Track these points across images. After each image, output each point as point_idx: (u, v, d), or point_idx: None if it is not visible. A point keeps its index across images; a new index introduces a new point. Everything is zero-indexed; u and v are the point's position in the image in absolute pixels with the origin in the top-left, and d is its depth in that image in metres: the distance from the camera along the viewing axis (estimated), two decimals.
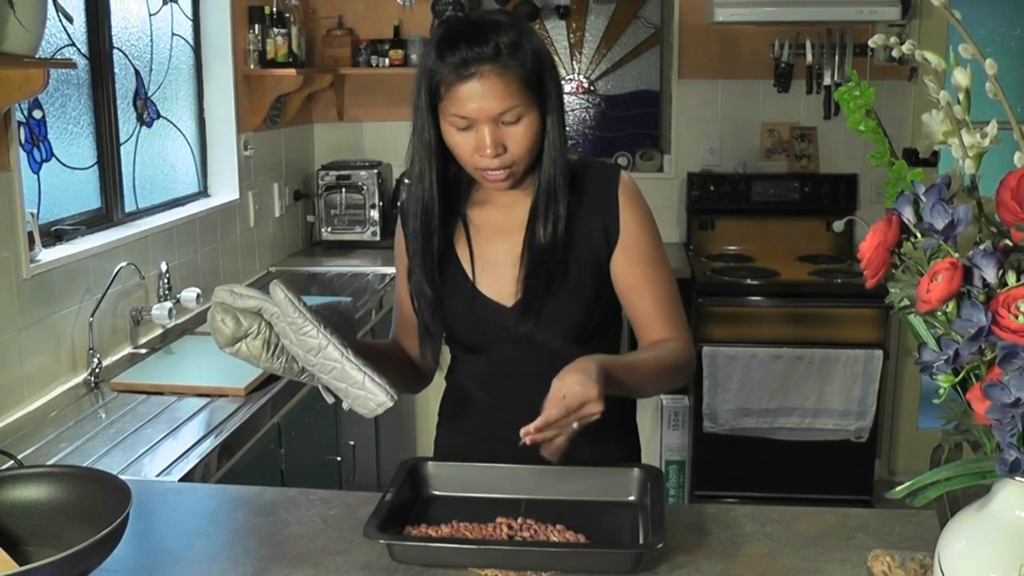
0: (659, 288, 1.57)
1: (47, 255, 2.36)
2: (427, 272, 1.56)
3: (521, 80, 1.44)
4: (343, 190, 4.00)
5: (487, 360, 1.60)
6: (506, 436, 1.56)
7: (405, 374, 1.67)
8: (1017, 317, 0.86)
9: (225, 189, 3.49)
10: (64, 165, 2.61)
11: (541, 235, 1.52)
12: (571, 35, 4.35)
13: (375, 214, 4.01)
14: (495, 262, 1.57)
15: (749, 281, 3.63)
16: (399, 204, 1.68)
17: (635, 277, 1.56)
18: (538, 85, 1.47)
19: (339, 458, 2.81)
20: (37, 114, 2.46)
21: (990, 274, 0.89)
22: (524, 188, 1.57)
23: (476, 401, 1.64)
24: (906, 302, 0.97)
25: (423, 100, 1.48)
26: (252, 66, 3.55)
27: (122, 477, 1.30)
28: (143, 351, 2.66)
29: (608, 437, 1.60)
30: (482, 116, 1.43)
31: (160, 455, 1.96)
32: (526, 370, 1.55)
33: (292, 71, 3.58)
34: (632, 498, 1.43)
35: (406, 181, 1.64)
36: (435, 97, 1.47)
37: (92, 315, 2.45)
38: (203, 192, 3.47)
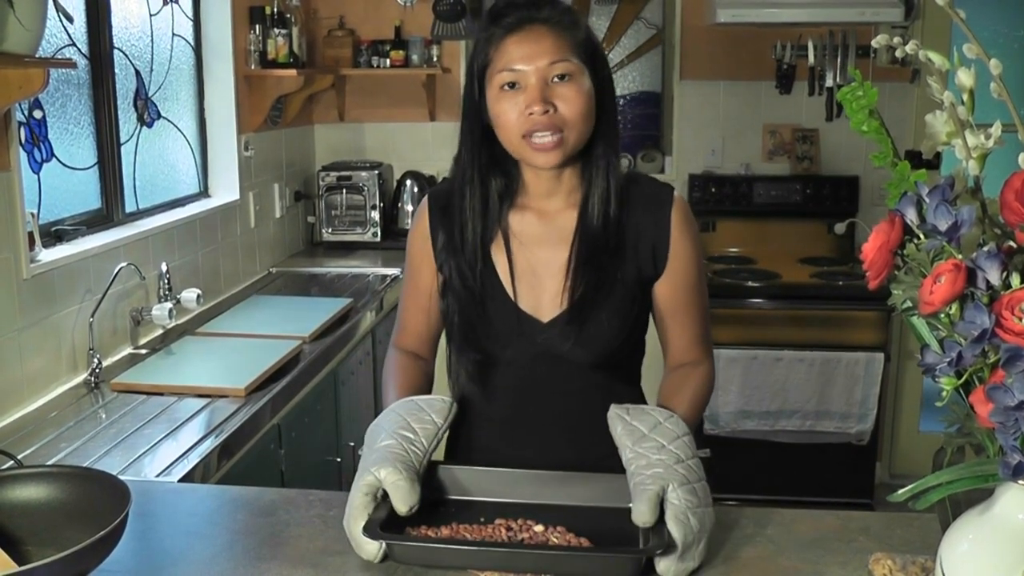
0: (698, 313, 1.54)
1: (47, 255, 2.36)
2: (468, 273, 1.51)
3: (572, 41, 1.42)
4: (344, 191, 4.00)
5: (507, 374, 1.54)
6: (519, 452, 1.55)
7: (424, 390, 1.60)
8: (1021, 319, 0.86)
9: (225, 190, 3.48)
10: (64, 165, 2.60)
11: (596, 209, 1.48)
12: None
13: (376, 215, 4.01)
14: (533, 273, 1.51)
15: (750, 283, 3.63)
16: (429, 198, 1.61)
17: (677, 303, 1.53)
18: (590, 61, 1.44)
19: (339, 459, 2.81)
20: (37, 114, 2.46)
21: (994, 276, 0.89)
22: (568, 200, 1.52)
23: (490, 416, 1.59)
24: (909, 304, 0.97)
25: (473, 67, 1.46)
26: (253, 66, 3.55)
27: (122, 477, 1.29)
28: (143, 351, 2.66)
29: None
30: (530, 65, 1.40)
31: (160, 455, 1.96)
32: (547, 388, 1.53)
33: (293, 72, 3.57)
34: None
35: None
36: (484, 60, 1.44)
37: (92, 315, 2.45)
38: (203, 192, 3.47)
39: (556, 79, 1.41)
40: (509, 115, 1.42)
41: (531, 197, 1.53)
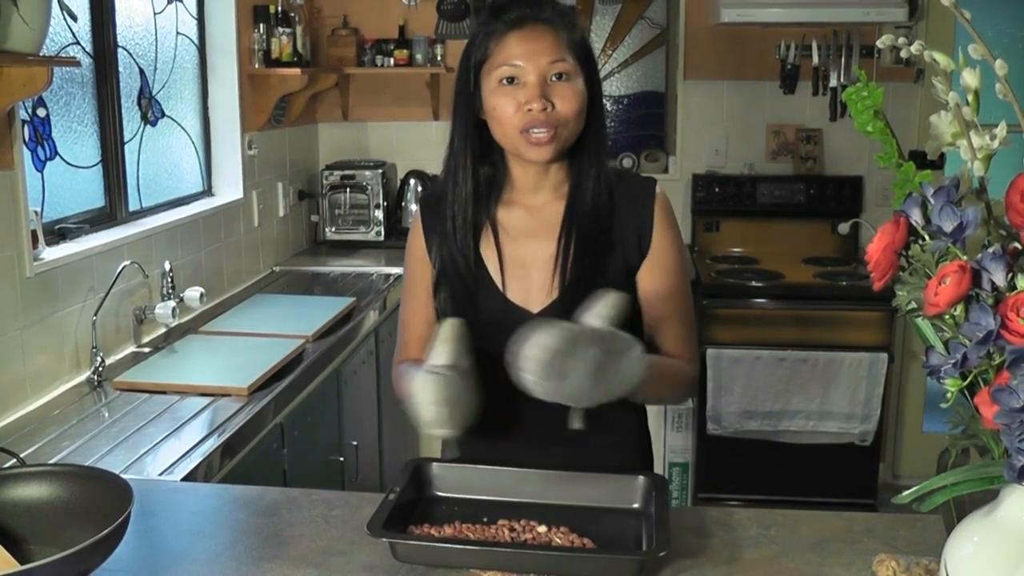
0: (677, 303, 1.56)
1: (50, 254, 2.36)
2: (460, 259, 1.53)
3: (570, 43, 1.46)
4: (347, 190, 3.99)
5: (499, 366, 1.54)
6: (515, 442, 1.55)
7: None
8: None
9: (229, 188, 3.48)
10: (68, 163, 2.60)
11: (584, 201, 1.51)
12: None
13: (379, 214, 4.01)
14: (522, 265, 1.54)
15: (754, 283, 3.62)
16: (420, 202, 1.64)
17: (656, 288, 1.54)
18: (584, 62, 1.48)
19: (342, 458, 2.80)
20: (41, 112, 2.46)
21: (999, 277, 0.89)
22: (555, 193, 1.55)
23: (486, 407, 1.60)
24: (913, 305, 0.97)
25: (470, 59, 1.48)
26: (257, 65, 3.54)
27: (124, 476, 1.29)
28: (146, 350, 2.66)
29: (627, 445, 1.60)
30: (531, 62, 1.43)
31: (162, 454, 1.96)
32: None
33: (297, 70, 3.57)
34: (636, 506, 1.42)
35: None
36: (483, 54, 1.47)
37: (95, 314, 2.45)
38: (207, 191, 3.47)
39: (554, 78, 1.45)
40: (507, 109, 1.45)
41: (518, 192, 1.56)
